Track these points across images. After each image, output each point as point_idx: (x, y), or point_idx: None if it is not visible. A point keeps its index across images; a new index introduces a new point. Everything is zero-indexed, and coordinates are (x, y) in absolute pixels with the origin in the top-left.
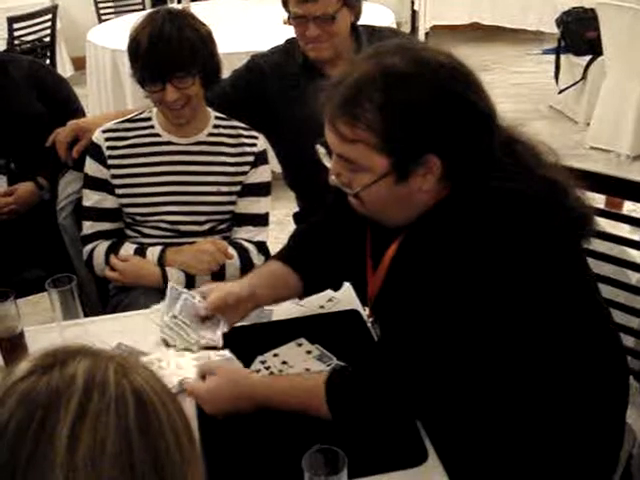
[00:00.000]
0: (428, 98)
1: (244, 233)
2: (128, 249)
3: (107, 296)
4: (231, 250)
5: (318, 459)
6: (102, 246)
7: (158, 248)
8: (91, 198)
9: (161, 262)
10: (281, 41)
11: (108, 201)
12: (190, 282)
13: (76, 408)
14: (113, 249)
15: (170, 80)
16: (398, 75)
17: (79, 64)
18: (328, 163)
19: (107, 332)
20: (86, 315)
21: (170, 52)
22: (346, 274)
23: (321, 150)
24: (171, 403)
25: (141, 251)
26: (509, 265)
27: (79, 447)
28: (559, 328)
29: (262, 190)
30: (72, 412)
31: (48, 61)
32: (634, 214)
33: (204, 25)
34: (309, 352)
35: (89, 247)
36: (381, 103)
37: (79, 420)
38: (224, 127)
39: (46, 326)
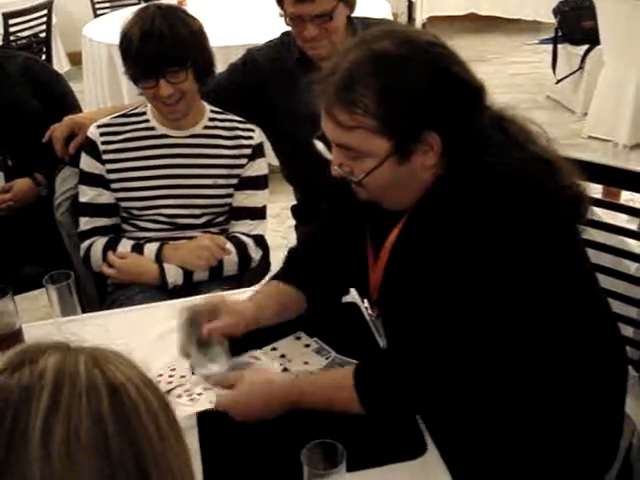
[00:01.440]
0: (422, 77)
1: (242, 227)
2: (126, 245)
3: (105, 292)
4: (229, 245)
5: (317, 453)
6: (99, 242)
7: (155, 245)
8: (87, 194)
9: (159, 259)
10: (277, 34)
11: (104, 197)
12: (188, 278)
13: (47, 401)
14: (111, 245)
15: (163, 75)
16: (390, 57)
17: (75, 59)
18: (329, 155)
19: (105, 328)
20: (84, 311)
21: (162, 47)
22: (349, 280)
23: (319, 145)
24: (152, 393)
25: (139, 248)
26: (509, 241)
27: (53, 439)
28: (558, 310)
29: (259, 183)
30: (44, 406)
31: (44, 57)
32: (631, 204)
33: (195, 19)
34: (307, 345)
35: (86, 243)
36: (376, 86)
37: (51, 413)
38: (220, 120)
39: (44, 322)
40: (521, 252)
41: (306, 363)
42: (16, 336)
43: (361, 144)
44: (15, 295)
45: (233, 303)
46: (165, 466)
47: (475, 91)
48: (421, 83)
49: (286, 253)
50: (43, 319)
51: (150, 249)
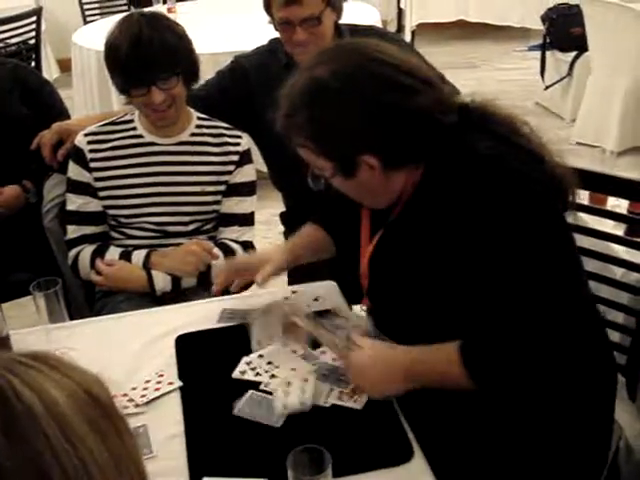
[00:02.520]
0: (352, 112)
1: (230, 233)
2: (114, 253)
3: (94, 299)
4: (216, 250)
5: (302, 458)
6: (87, 250)
7: (143, 252)
8: (74, 202)
9: (146, 266)
10: (265, 41)
11: (92, 205)
12: (176, 285)
13: None
14: (99, 253)
15: (155, 82)
16: (322, 90)
17: (65, 66)
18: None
19: (93, 335)
20: (72, 318)
21: (153, 54)
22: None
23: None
24: (70, 407)
25: (127, 255)
26: (505, 229)
27: None
28: (550, 303)
29: (247, 189)
30: None
31: (33, 63)
32: (618, 210)
33: (178, 25)
34: (294, 352)
35: (74, 252)
36: (308, 118)
37: None
38: (207, 127)
39: (32, 329)
40: (515, 242)
41: (293, 369)
42: (3, 343)
43: (311, 160)
44: (3, 302)
45: (265, 252)
46: (78, 474)
47: (411, 112)
48: (350, 118)
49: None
50: (31, 326)
51: (138, 256)
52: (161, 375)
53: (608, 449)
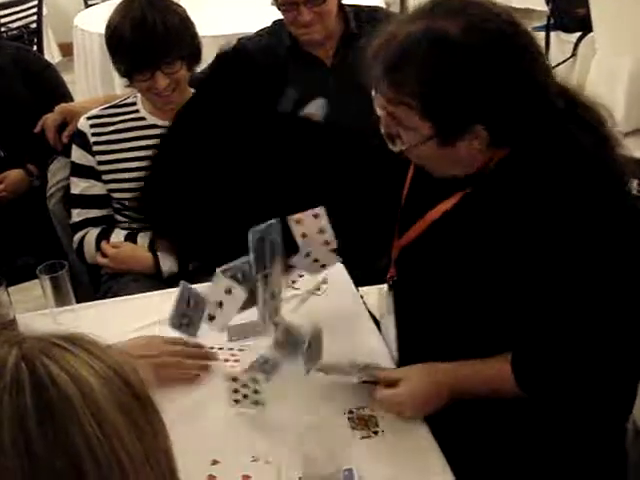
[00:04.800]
0: (475, 71)
1: None
2: (119, 235)
3: (99, 282)
4: None
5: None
6: (92, 233)
7: (149, 234)
8: (78, 185)
9: (152, 248)
10: (269, 22)
11: (96, 188)
12: (183, 266)
13: None
14: (104, 236)
15: (159, 67)
16: (445, 43)
17: (66, 50)
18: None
19: (99, 318)
20: (78, 301)
21: (156, 39)
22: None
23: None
24: (105, 395)
25: (132, 237)
26: (585, 232)
27: None
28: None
29: None
30: None
31: (35, 48)
32: None
33: (179, 6)
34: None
35: (79, 235)
36: (425, 73)
37: None
38: None
39: (38, 312)
40: (592, 254)
41: None
42: (9, 327)
43: (405, 119)
44: (9, 286)
45: None
46: (111, 464)
47: (535, 87)
48: (470, 76)
49: None
50: (37, 310)
51: (143, 238)
52: None
53: (623, 446)
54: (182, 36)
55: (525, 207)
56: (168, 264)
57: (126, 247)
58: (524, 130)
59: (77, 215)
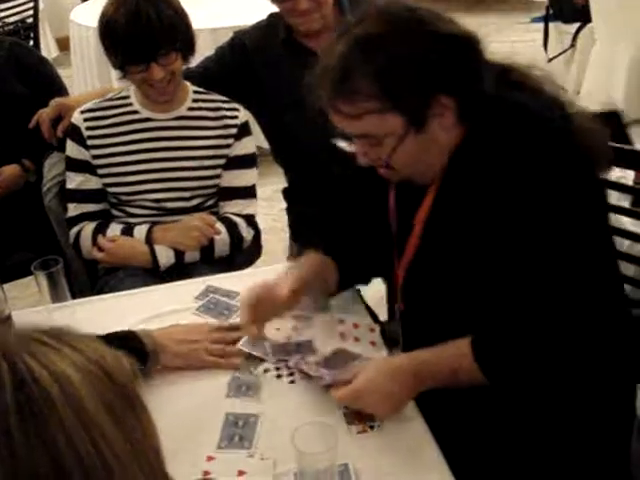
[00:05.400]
0: (409, 46)
1: (232, 207)
2: (115, 229)
3: (96, 277)
4: (219, 225)
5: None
6: (88, 227)
7: (145, 227)
8: (74, 180)
9: (149, 241)
10: (265, 16)
11: (91, 182)
12: (180, 259)
13: None
14: (100, 230)
15: (155, 59)
16: (374, 38)
17: (64, 45)
18: (350, 148)
19: (95, 313)
20: (74, 297)
21: (152, 30)
22: (375, 259)
23: (341, 144)
24: (87, 391)
25: (128, 231)
26: (556, 191)
27: None
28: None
29: (247, 162)
30: None
31: (32, 42)
32: (623, 181)
33: None
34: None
35: (75, 229)
36: (371, 70)
37: None
38: (203, 101)
39: (34, 309)
40: (554, 222)
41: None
42: (5, 323)
43: (376, 128)
44: (4, 282)
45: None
46: (94, 461)
47: (468, 42)
48: (411, 52)
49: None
50: (33, 307)
51: (140, 232)
52: None
53: (630, 433)
54: (176, 27)
55: (492, 182)
56: (165, 257)
57: (122, 240)
58: (483, 89)
59: (73, 209)
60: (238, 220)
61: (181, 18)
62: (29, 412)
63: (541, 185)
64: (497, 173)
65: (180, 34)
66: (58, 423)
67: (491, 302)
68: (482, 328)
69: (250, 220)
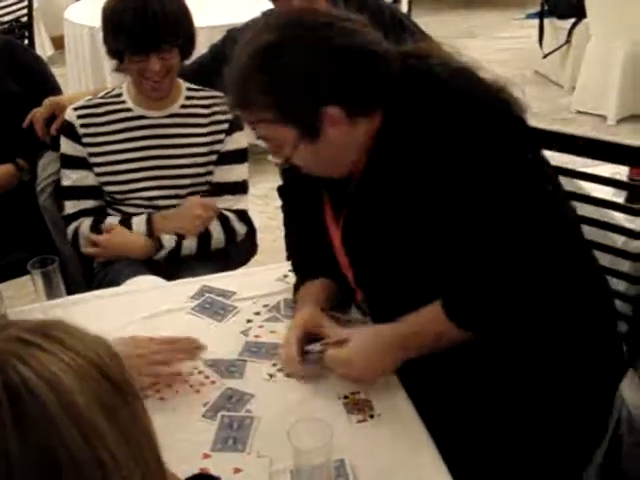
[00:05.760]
0: (305, 58)
1: (223, 202)
2: (113, 221)
3: (92, 274)
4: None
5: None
6: (86, 223)
7: (143, 217)
8: (70, 177)
9: (149, 229)
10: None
11: (88, 178)
12: (178, 244)
13: None
14: (97, 224)
15: (156, 51)
16: (268, 49)
17: (59, 43)
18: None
19: (91, 312)
20: (70, 295)
21: (157, 23)
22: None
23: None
24: (81, 393)
25: (126, 222)
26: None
27: None
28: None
29: (238, 157)
30: None
31: (27, 41)
32: (618, 177)
33: None
34: None
35: (73, 226)
36: (262, 80)
37: None
38: (197, 98)
39: (29, 307)
40: (485, 174)
41: None
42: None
43: (270, 135)
44: (1, 282)
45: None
46: (85, 457)
47: (360, 52)
48: (306, 67)
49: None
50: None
51: (138, 223)
52: None
53: (609, 415)
54: (180, 23)
55: (412, 158)
56: (167, 240)
57: (116, 231)
58: (371, 91)
59: (72, 207)
60: (229, 215)
61: (185, 15)
62: (24, 420)
63: (464, 134)
64: (419, 139)
65: (182, 30)
66: (55, 430)
67: (441, 264)
68: (444, 290)
69: (242, 216)
